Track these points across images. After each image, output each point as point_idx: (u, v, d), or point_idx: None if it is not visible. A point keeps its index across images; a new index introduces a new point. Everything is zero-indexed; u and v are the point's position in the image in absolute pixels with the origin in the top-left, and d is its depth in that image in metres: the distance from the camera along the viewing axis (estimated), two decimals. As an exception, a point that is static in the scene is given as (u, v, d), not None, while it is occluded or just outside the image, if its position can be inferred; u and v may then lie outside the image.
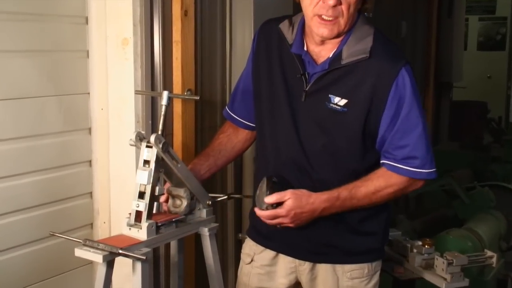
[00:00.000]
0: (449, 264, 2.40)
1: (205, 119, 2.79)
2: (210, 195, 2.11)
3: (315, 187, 1.85)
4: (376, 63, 1.79)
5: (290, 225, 1.81)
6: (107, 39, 2.38)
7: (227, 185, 2.99)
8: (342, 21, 1.77)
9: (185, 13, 2.50)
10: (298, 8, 1.90)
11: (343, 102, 1.81)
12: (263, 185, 1.81)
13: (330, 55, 1.84)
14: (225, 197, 2.30)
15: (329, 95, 1.82)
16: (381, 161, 1.86)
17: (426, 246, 2.54)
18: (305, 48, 1.89)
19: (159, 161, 1.89)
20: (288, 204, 1.77)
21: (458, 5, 6.21)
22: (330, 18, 1.76)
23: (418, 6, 5.53)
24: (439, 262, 2.44)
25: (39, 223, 2.27)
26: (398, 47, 1.91)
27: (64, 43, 2.31)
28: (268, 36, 1.96)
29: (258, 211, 1.82)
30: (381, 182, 1.83)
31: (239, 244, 3.10)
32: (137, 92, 2.34)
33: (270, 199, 1.78)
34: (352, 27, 1.83)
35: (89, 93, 2.42)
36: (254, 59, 2.02)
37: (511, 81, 8.85)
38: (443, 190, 4.40)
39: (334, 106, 1.82)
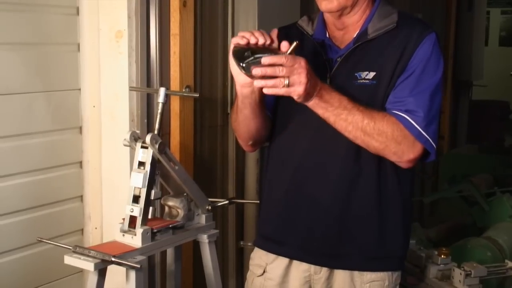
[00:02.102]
0: (467, 275, 2.40)
1: (205, 118, 2.80)
2: (209, 199, 2.12)
3: (343, 169, 1.89)
4: (402, 31, 1.87)
5: (279, 85, 1.67)
6: (100, 32, 2.39)
7: (228, 189, 3.00)
8: None
9: (184, 4, 2.51)
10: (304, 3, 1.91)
11: (371, 75, 1.87)
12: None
13: (355, 35, 1.91)
14: (226, 202, 2.31)
15: (356, 73, 1.87)
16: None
17: (442, 256, 2.54)
18: (327, 35, 1.95)
19: (155, 162, 1.90)
20: (290, 57, 1.69)
21: (479, -4, 6.22)
22: None
23: (435, -2, 5.54)
24: (456, 273, 2.44)
25: (26, 228, 2.28)
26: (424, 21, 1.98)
27: (53, 36, 2.33)
28: (286, 35, 1.97)
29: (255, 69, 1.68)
30: (379, 115, 1.81)
31: (240, 252, 3.11)
32: (131, 89, 2.35)
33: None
34: (374, 7, 1.92)
35: (80, 89, 2.43)
36: None
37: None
38: (461, 196, 4.40)
39: (362, 81, 1.86)
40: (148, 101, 2.45)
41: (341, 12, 1.88)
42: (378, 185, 1.92)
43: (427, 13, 5.30)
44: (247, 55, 1.66)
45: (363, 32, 1.90)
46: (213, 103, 2.85)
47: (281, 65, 1.63)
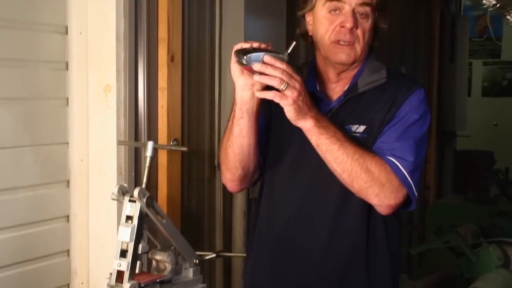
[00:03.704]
0: (455, 328, 2.40)
1: (192, 170, 2.81)
2: (197, 253, 2.12)
3: (335, 217, 1.90)
4: (392, 85, 1.92)
5: (276, 84, 1.68)
6: (89, 86, 2.42)
7: (216, 242, 2.99)
8: (358, 47, 1.90)
9: (171, 59, 2.55)
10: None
11: (362, 128, 1.90)
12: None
13: (345, 89, 1.96)
14: (214, 255, 2.31)
15: (347, 126, 1.90)
16: None
17: (430, 308, 2.54)
18: (317, 88, 1.98)
19: (142, 216, 1.90)
20: (290, 66, 1.72)
21: (461, 49, 6.32)
22: (347, 43, 1.88)
23: (418, 50, 5.64)
24: (445, 326, 2.43)
25: (12, 283, 2.25)
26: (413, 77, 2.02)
27: (42, 90, 2.35)
28: None
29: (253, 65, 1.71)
30: (370, 154, 1.83)
31: (228, 306, 3.09)
32: (120, 143, 2.36)
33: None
34: (364, 62, 1.96)
35: (68, 143, 2.45)
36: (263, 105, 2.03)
37: (518, 129, 8.93)
38: (448, 247, 4.40)
39: (353, 135, 1.89)
40: (136, 155, 2.46)
41: (349, 65, 1.94)
42: (367, 239, 1.93)
43: (410, 65, 5.39)
44: (250, 51, 1.70)
45: (353, 86, 1.95)
46: (201, 155, 2.87)
47: (281, 69, 1.67)
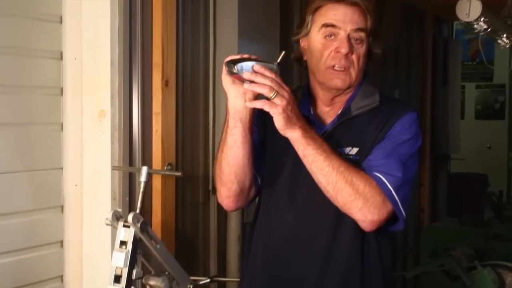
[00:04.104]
0: None
1: (186, 195, 2.81)
2: (191, 278, 2.11)
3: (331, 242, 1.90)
4: (385, 108, 1.94)
5: (266, 92, 1.69)
6: (83, 111, 2.43)
7: (210, 267, 2.98)
8: (353, 72, 1.92)
9: (166, 84, 2.57)
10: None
11: (354, 150, 1.91)
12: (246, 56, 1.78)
13: (339, 112, 1.97)
14: (208, 280, 2.30)
15: (340, 149, 1.90)
16: None
17: (425, 333, 2.53)
18: (311, 112, 2.00)
19: (137, 241, 1.90)
20: (279, 77, 1.73)
21: (453, 72, 6.35)
22: (342, 69, 1.90)
23: (411, 74, 5.67)
24: None
25: (5, 310, 2.24)
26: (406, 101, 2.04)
27: (36, 116, 2.36)
28: None
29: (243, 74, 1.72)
30: (356, 168, 1.83)
31: (222, 332, 3.07)
32: (114, 168, 2.36)
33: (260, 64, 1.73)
34: (358, 86, 1.98)
35: (62, 168, 2.45)
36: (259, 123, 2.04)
37: (512, 152, 8.96)
38: (443, 271, 4.40)
39: (346, 157, 1.89)
40: (130, 179, 2.46)
41: (344, 90, 1.95)
42: (361, 260, 1.93)
43: (403, 89, 5.42)
44: (240, 61, 1.72)
45: (346, 110, 1.96)
46: (195, 180, 2.88)
47: (270, 77, 1.69)
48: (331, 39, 1.91)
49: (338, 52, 1.89)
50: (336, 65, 1.90)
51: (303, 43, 2.01)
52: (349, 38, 1.89)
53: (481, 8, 4.35)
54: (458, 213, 6.03)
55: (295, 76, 3.39)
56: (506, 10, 4.77)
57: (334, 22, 1.90)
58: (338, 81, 1.92)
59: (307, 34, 1.97)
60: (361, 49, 1.92)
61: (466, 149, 7.15)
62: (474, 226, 5.23)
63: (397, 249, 2.09)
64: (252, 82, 1.69)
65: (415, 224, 5.77)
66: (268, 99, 1.70)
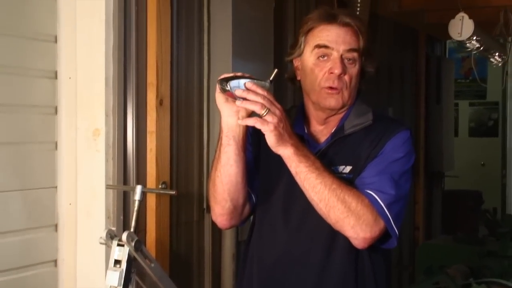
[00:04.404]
0: None
1: (181, 214, 2.81)
2: (186, 297, 2.11)
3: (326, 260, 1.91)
4: (378, 127, 1.95)
5: (257, 109, 1.71)
6: (77, 130, 2.43)
7: (205, 285, 2.97)
8: (345, 92, 1.93)
9: (160, 102, 2.58)
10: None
11: (348, 169, 1.92)
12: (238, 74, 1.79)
13: (332, 131, 1.99)
14: (202, 299, 2.30)
15: (333, 167, 1.91)
16: None
17: None
18: (305, 131, 2.01)
19: (131, 260, 1.90)
20: (270, 95, 1.74)
21: (447, 90, 6.38)
22: (336, 89, 1.92)
23: (405, 93, 5.70)
24: None
25: (-2, 330, 2.23)
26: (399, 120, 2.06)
27: (31, 135, 2.36)
28: None
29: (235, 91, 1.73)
30: (348, 186, 1.83)
31: None
32: (108, 187, 2.36)
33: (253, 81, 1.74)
34: (351, 106, 1.99)
35: (56, 187, 2.45)
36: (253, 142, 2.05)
37: (506, 169, 8.97)
38: (438, 288, 4.40)
39: (339, 175, 1.89)
40: (125, 198, 2.46)
41: (337, 110, 1.97)
42: (355, 279, 1.93)
43: (397, 107, 5.45)
44: (233, 79, 1.74)
45: (340, 128, 1.98)
46: (189, 198, 2.88)
47: (262, 95, 1.71)
48: (324, 60, 1.92)
49: (331, 73, 1.91)
50: (330, 86, 1.92)
51: (296, 63, 2.02)
52: (342, 58, 1.91)
53: (473, 27, 4.38)
54: (452, 231, 6.03)
55: (289, 94, 3.41)
56: (498, 29, 4.80)
57: (327, 43, 1.92)
58: (331, 101, 1.93)
59: (300, 54, 1.99)
60: (353, 69, 1.94)
61: (460, 167, 7.17)
62: (469, 243, 5.24)
63: (392, 266, 2.09)
64: (244, 99, 1.71)
65: (410, 241, 5.77)
66: (260, 116, 1.72)
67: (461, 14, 4.38)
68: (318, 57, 1.93)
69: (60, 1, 2.43)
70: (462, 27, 4.38)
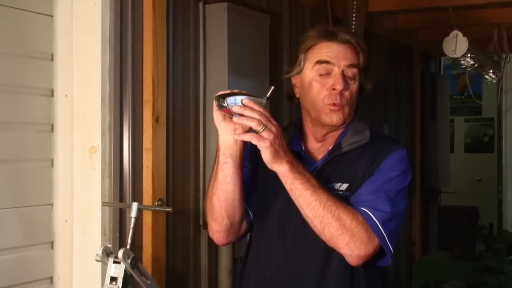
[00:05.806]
0: None
1: (177, 230, 2.80)
2: (181, 314, 2.10)
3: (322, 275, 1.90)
4: (375, 145, 1.95)
5: (254, 125, 1.71)
6: (74, 148, 2.43)
7: (201, 302, 2.96)
8: (346, 108, 1.93)
9: (156, 120, 2.58)
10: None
11: (344, 186, 1.91)
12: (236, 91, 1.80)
13: (329, 148, 1.98)
14: (198, 316, 2.28)
15: (330, 185, 1.90)
16: None
17: None
18: (302, 148, 2.00)
19: (127, 277, 1.88)
20: (267, 111, 1.75)
21: (442, 107, 6.40)
22: (338, 105, 1.92)
23: (400, 109, 5.71)
24: None
25: None
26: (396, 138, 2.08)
27: (27, 152, 2.36)
28: None
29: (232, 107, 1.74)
30: (343, 203, 1.83)
31: None
32: (104, 204, 2.36)
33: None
34: (349, 123, 1.98)
35: (52, 204, 2.44)
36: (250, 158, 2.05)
37: (502, 185, 8.98)
38: (435, 304, 4.39)
39: (336, 193, 1.89)
40: (121, 215, 2.46)
41: (338, 126, 1.96)
42: None
43: (393, 124, 5.46)
44: (230, 96, 1.75)
45: (337, 146, 1.96)
46: (185, 215, 2.87)
47: (259, 111, 1.71)
48: (326, 77, 1.92)
49: (334, 89, 1.90)
50: (333, 103, 1.91)
51: (294, 81, 2.01)
52: (343, 74, 1.91)
53: (467, 45, 4.40)
54: (449, 247, 6.03)
55: (285, 111, 3.41)
56: (492, 46, 4.83)
57: (328, 59, 1.91)
58: (333, 118, 1.92)
59: (299, 72, 1.98)
60: (354, 86, 1.94)
61: (456, 183, 7.17)
62: (466, 259, 5.23)
63: (389, 282, 2.08)
64: (241, 115, 1.71)
65: (407, 257, 5.76)
66: (257, 132, 1.72)
67: (455, 31, 4.40)
68: (319, 74, 1.92)
69: (57, 19, 2.44)
70: (456, 45, 4.40)
